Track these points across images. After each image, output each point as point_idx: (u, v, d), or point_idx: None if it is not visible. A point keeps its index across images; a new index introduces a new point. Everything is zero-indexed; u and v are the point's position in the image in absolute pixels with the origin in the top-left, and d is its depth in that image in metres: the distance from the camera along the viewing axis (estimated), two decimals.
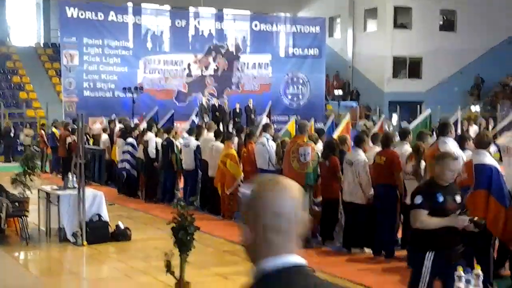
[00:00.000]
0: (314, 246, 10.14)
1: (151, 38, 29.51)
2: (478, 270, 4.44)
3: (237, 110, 28.33)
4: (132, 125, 19.06)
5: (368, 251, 9.67)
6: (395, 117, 32.55)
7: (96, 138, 20.10)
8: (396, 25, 36.74)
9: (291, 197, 2.11)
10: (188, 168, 14.26)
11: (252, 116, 27.70)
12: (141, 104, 26.04)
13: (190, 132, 14.90)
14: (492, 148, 8.35)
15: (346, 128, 13.24)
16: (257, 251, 2.10)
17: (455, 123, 11.42)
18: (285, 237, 2.10)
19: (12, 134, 26.32)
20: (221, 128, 23.81)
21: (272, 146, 12.09)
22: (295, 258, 2.10)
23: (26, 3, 38.40)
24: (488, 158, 7.62)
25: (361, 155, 9.83)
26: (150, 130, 15.91)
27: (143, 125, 18.23)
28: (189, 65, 29.89)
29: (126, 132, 17.20)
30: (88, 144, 19.37)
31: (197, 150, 14.07)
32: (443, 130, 8.44)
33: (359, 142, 10.16)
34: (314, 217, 10.46)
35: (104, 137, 18.94)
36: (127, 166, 16.07)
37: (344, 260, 9.38)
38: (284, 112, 30.32)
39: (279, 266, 2.07)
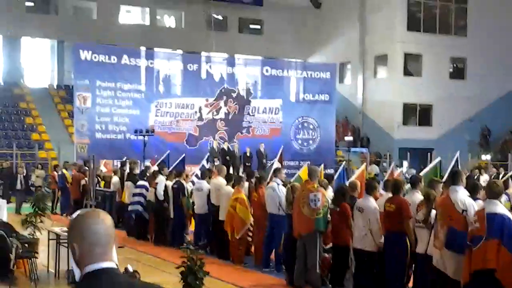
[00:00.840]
0: None
1: (163, 82, 29.83)
2: None
3: (248, 154, 28.41)
4: (143, 167, 19.17)
5: None
6: (405, 164, 32.49)
7: (107, 180, 20.18)
8: (406, 72, 37.01)
9: (104, 222, 2.94)
10: (200, 212, 14.26)
11: (264, 160, 27.75)
12: (152, 146, 26.14)
13: (202, 176, 14.94)
14: (504, 198, 8.34)
15: (361, 175, 13.23)
16: (84, 261, 2.91)
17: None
18: (102, 249, 2.91)
19: (24, 175, 26.42)
20: (231, 172, 23.86)
21: (283, 191, 12.08)
22: (109, 264, 2.91)
23: (40, 45, 38.99)
24: (500, 207, 7.61)
25: (372, 202, 9.83)
26: (161, 173, 15.97)
27: (155, 167, 18.33)
28: (200, 108, 30.10)
29: (133, 175, 17.31)
30: (99, 186, 19.45)
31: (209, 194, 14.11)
32: (454, 178, 8.44)
33: (370, 189, 10.17)
34: (324, 264, 10.43)
35: (115, 179, 19.02)
36: (140, 208, 16.09)
37: None
38: (294, 157, 30.36)
39: (97, 268, 2.89)
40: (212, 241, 13.85)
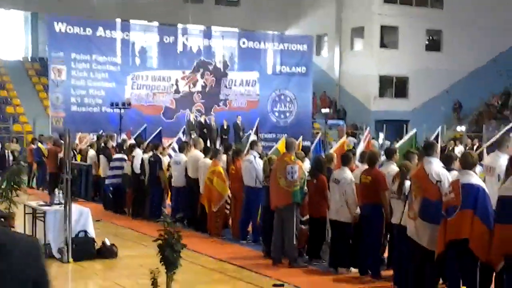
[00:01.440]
0: (301, 265, 10.16)
1: (139, 54, 29.61)
2: None
3: (225, 127, 28.41)
4: (120, 141, 19.09)
5: (354, 270, 9.70)
6: (381, 136, 32.72)
7: (83, 154, 20.06)
8: (383, 44, 37.07)
9: None
10: (179, 185, 14.23)
11: (241, 133, 27.76)
12: (128, 119, 26.01)
13: (180, 149, 14.93)
14: (478, 169, 8.43)
15: (341, 147, 13.25)
16: None
17: (436, 141, 11.50)
18: None
19: None
20: (208, 145, 23.83)
21: (260, 163, 12.11)
22: None
23: (14, 17, 38.38)
24: (475, 178, 7.70)
25: (348, 173, 9.90)
26: (139, 147, 15.90)
27: (131, 140, 18.26)
28: (177, 81, 29.97)
29: (107, 148, 17.28)
30: (75, 159, 19.34)
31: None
32: (428, 150, 8.50)
33: (346, 161, 10.23)
34: (301, 236, 10.52)
35: (91, 152, 18.90)
36: (119, 181, 16.03)
37: (330, 280, 9.40)
38: (271, 130, 30.43)
39: None
40: (190, 214, 13.86)
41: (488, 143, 10.76)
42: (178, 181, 14.23)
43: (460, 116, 36.33)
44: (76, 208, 10.97)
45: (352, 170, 10.29)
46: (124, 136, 21.36)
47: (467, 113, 36.91)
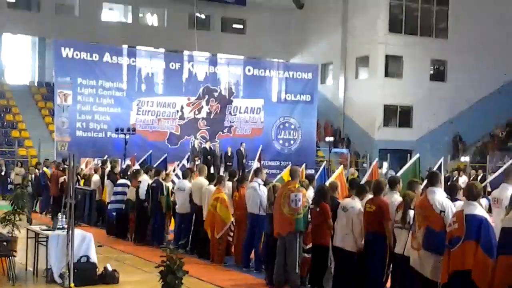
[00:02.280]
0: None
1: (145, 80, 29.80)
2: None
3: (229, 154, 28.45)
4: (124, 166, 19.12)
5: None
6: (385, 165, 32.67)
7: (87, 179, 20.08)
8: (387, 73, 37.22)
9: None
10: (182, 212, 14.22)
11: (244, 160, 27.79)
12: (133, 145, 26.09)
13: (184, 175, 14.92)
14: (484, 202, 8.42)
15: (339, 176, 13.28)
16: None
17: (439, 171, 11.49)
18: None
19: (3, 173, 26.25)
20: (211, 171, 23.83)
21: (264, 190, 12.10)
22: None
23: (21, 42, 38.71)
24: (479, 209, 7.68)
25: (357, 203, 9.88)
26: (147, 173, 15.89)
27: (135, 166, 18.30)
28: (182, 107, 30.10)
29: (113, 173, 17.29)
30: (79, 184, 19.35)
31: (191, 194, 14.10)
32: (432, 179, 8.50)
33: (360, 191, 10.18)
34: (304, 264, 10.47)
35: (95, 177, 18.92)
36: (122, 206, 16.04)
37: None
38: (275, 157, 30.47)
39: None
40: (193, 240, 13.83)
41: (494, 175, 10.75)
42: (181, 208, 14.22)
43: (463, 147, 36.27)
44: (78, 233, 10.95)
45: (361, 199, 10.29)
46: (128, 161, 21.40)
47: (471, 143, 36.88)
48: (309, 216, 10.33)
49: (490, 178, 10.61)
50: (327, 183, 12.10)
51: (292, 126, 32.04)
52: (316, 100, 32.74)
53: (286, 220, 10.16)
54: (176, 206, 14.42)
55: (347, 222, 9.70)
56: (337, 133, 38.20)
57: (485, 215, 7.65)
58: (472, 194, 7.79)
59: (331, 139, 34.68)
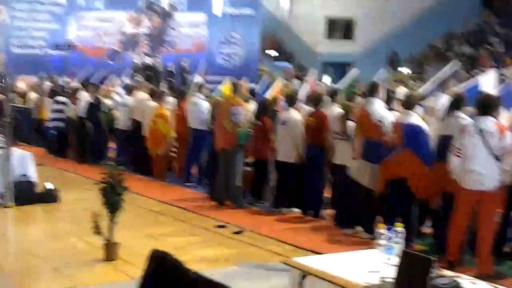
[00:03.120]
0: (245, 206, 10.24)
1: None
2: (399, 227, 4.58)
3: (171, 70, 28.05)
4: (62, 83, 18.71)
5: (297, 210, 9.82)
6: (327, 78, 32.83)
7: (24, 97, 19.59)
8: None
9: None
10: (124, 128, 14.06)
11: (186, 75, 27.47)
12: (72, 61, 25.46)
13: (126, 91, 14.69)
14: (420, 109, 8.54)
15: (279, 89, 13.26)
16: None
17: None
18: None
19: None
20: (153, 87, 23.53)
21: (206, 106, 12.05)
22: None
23: None
24: (415, 118, 7.81)
25: (295, 114, 9.89)
26: (86, 90, 15.54)
27: (74, 83, 17.90)
28: (122, 22, 29.34)
29: (56, 91, 16.90)
30: (16, 102, 18.88)
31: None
32: (370, 90, 8.57)
33: (291, 102, 10.20)
34: (246, 178, 10.56)
35: (33, 95, 18.47)
36: (60, 124, 15.78)
37: (273, 220, 9.49)
38: (218, 72, 30.08)
39: None
40: (134, 157, 13.76)
41: (426, 84, 10.91)
42: (123, 124, 14.06)
43: (397, 63, 36.25)
44: (17, 152, 10.76)
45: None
46: (67, 78, 20.91)
47: (412, 54, 37.22)
48: (251, 130, 10.33)
49: (422, 87, 10.74)
50: (268, 97, 12.11)
51: (235, 41, 31.68)
52: (259, 14, 32.31)
53: (228, 135, 10.15)
54: (117, 122, 14.24)
55: (287, 134, 9.74)
56: (280, 47, 37.98)
57: (422, 123, 7.80)
58: (409, 103, 7.91)
59: (275, 53, 34.49)
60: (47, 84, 18.68)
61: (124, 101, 14.24)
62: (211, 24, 31.01)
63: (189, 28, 30.67)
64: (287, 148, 9.80)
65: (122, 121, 14.13)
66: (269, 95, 12.45)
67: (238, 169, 10.22)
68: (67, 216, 9.70)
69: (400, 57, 35.81)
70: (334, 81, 30.37)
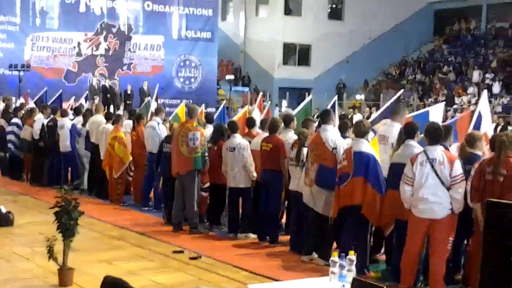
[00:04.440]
0: (202, 231, 10.27)
1: (40, 14, 28.61)
2: (351, 255, 4.71)
3: (129, 92, 27.97)
4: (18, 104, 18.51)
5: (253, 236, 9.89)
6: (284, 103, 33.17)
7: None
8: (287, 11, 37.30)
9: None
10: (64, 151, 14.00)
11: (146, 98, 27.41)
12: (28, 82, 25.22)
13: (76, 112, 14.66)
14: (371, 135, 8.72)
15: (243, 116, 13.42)
16: None
17: (333, 110, 11.81)
18: None
19: None
20: (111, 110, 23.49)
21: (163, 130, 12.08)
22: None
23: None
24: (366, 145, 7.99)
25: (239, 139, 9.97)
26: (42, 111, 15.42)
27: (30, 104, 17.74)
28: (79, 43, 29.23)
29: (8, 112, 16.72)
30: None
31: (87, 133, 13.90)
32: (324, 117, 8.73)
33: (234, 128, 10.28)
34: (202, 202, 10.61)
35: None
36: (12, 147, 15.63)
37: (230, 245, 9.54)
38: (176, 96, 30.25)
39: None
40: (91, 180, 13.69)
41: (379, 112, 11.15)
42: (64, 146, 13.98)
43: (346, 92, 36.66)
44: None
45: (253, 137, 10.45)
46: (22, 100, 20.69)
47: (368, 81, 37.85)
48: (207, 155, 10.40)
49: (374, 114, 10.98)
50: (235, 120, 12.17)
51: (193, 64, 31.81)
52: (216, 38, 32.55)
53: (184, 159, 10.20)
54: (60, 145, 14.12)
55: (236, 160, 9.82)
56: (238, 71, 38.26)
57: (372, 151, 7.98)
58: (360, 131, 8.10)
59: (232, 77, 34.73)
60: (2, 105, 18.44)
61: (62, 122, 14.12)
62: (169, 47, 31.11)
63: (147, 51, 30.69)
64: (236, 174, 9.89)
65: (62, 143, 14.01)
66: (236, 119, 12.58)
67: (195, 194, 10.26)
68: (22, 240, 9.59)
69: (347, 87, 36.25)
70: (291, 106, 30.81)
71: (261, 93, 15.76)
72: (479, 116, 9.28)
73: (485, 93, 10.44)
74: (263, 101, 18.29)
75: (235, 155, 9.84)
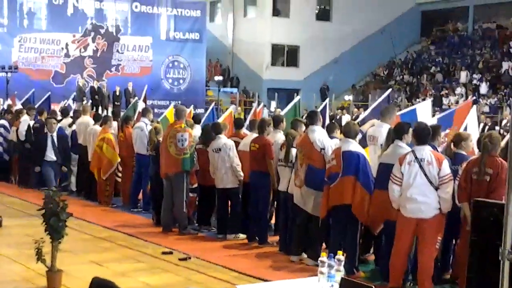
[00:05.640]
0: (191, 232, 10.27)
1: (27, 15, 28.49)
2: (340, 255, 4.72)
3: (117, 93, 27.92)
4: (5, 107, 18.42)
5: (242, 237, 9.90)
6: (273, 104, 33.20)
7: None
8: (275, 12, 37.33)
9: None
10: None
11: (131, 99, 27.37)
12: (16, 84, 25.07)
13: (63, 113, 14.63)
14: (359, 136, 8.77)
15: (229, 116, 13.44)
16: None
17: (324, 112, 11.86)
18: None
19: None
20: (100, 111, 23.43)
21: None
22: None
23: None
24: (354, 145, 8.03)
25: (224, 139, 10.00)
26: (28, 113, 15.34)
27: (18, 106, 17.66)
28: (67, 44, 29.13)
29: None
30: None
31: (73, 134, 13.85)
32: (311, 118, 8.76)
33: (218, 130, 10.29)
34: (191, 204, 10.62)
35: None
36: (0, 149, 15.55)
37: (219, 246, 9.54)
38: (164, 97, 30.20)
39: None
40: (79, 182, 13.65)
41: (366, 112, 11.20)
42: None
43: (335, 93, 36.74)
44: None
45: (241, 138, 10.46)
46: (9, 101, 20.60)
47: (356, 81, 37.96)
48: (196, 156, 10.40)
49: (362, 115, 11.03)
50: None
51: (181, 65, 31.78)
52: (205, 39, 32.55)
53: (173, 160, 10.19)
54: None
55: (222, 161, 9.83)
56: (226, 72, 38.26)
57: (361, 151, 8.03)
58: (349, 132, 8.13)
59: (220, 78, 34.73)
60: None
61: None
62: (157, 48, 31.06)
63: (135, 52, 30.63)
64: (223, 175, 9.90)
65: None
66: (221, 120, 12.58)
67: (184, 195, 10.26)
68: (10, 242, 9.55)
69: (335, 87, 36.27)
70: (279, 107, 30.84)
71: (257, 103, 15.72)
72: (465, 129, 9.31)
73: (474, 108, 10.38)
74: (252, 102, 18.36)
75: (221, 156, 9.85)
